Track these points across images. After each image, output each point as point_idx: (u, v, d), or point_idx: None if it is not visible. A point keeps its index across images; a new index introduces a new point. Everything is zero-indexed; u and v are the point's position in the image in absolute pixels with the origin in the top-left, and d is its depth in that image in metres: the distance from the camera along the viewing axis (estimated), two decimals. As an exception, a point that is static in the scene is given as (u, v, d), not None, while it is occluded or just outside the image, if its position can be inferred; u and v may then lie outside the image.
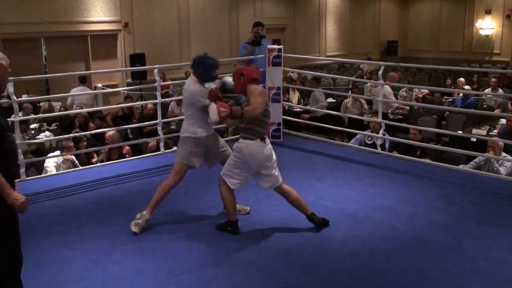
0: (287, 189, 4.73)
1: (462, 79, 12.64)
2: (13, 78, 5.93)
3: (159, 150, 6.99)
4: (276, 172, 4.66)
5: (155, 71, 6.80)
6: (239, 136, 4.68)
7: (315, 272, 3.97)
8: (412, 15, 22.26)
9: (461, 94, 11.18)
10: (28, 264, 4.05)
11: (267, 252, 4.28)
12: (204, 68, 4.76)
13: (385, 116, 8.65)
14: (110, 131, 7.38)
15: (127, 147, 7.49)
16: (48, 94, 12.05)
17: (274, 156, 4.65)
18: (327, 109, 11.01)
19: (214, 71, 4.81)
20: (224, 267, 4.03)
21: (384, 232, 4.63)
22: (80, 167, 6.96)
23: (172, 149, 7.45)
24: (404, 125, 7.78)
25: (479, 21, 19.85)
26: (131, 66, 13.44)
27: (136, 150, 8.47)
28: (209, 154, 5.03)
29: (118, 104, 11.08)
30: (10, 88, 5.70)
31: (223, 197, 4.66)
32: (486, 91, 11.97)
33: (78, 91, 11.14)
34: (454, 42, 20.52)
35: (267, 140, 4.59)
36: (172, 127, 9.49)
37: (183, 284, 3.81)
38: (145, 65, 13.27)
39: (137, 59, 13.53)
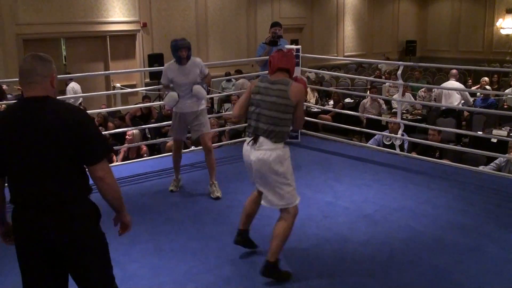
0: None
1: (486, 78, 12.42)
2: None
3: (177, 150, 7.00)
4: (281, 190, 3.77)
5: (174, 71, 6.80)
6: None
7: (333, 273, 3.95)
8: (431, 14, 22.08)
9: (481, 94, 11.05)
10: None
11: (285, 253, 4.23)
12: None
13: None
14: (134, 130, 7.45)
15: (145, 147, 7.53)
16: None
17: (278, 167, 3.71)
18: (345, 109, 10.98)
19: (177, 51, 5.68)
20: (241, 267, 4.03)
21: (403, 233, 4.59)
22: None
23: (190, 149, 7.48)
24: (423, 125, 7.72)
25: (500, 20, 19.61)
26: (149, 66, 13.51)
27: (154, 149, 8.52)
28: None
29: (136, 104, 11.15)
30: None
31: None
32: (507, 91, 11.81)
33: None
34: (474, 42, 20.31)
35: (259, 144, 3.74)
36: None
37: (201, 283, 3.82)
38: (163, 65, 13.28)
39: (155, 59, 13.58)
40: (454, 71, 10.23)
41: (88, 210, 2.61)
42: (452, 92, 9.73)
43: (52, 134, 2.44)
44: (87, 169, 2.59)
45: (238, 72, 14.22)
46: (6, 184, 2.65)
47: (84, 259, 2.58)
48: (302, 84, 3.83)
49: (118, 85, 13.41)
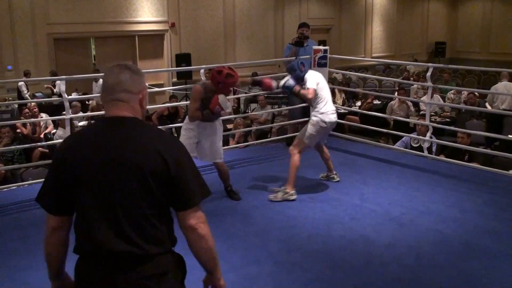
0: None
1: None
2: (65, 77, 6.10)
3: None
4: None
5: (201, 71, 6.85)
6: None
7: (360, 275, 3.92)
8: (461, 15, 21.77)
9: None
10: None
11: (310, 253, 4.25)
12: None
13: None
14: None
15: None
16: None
17: None
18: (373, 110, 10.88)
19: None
20: (267, 267, 4.02)
21: (431, 237, 4.52)
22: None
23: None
24: (452, 128, 7.60)
25: (532, 21, 19.26)
26: (177, 66, 13.63)
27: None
28: None
29: (163, 103, 11.24)
30: (62, 86, 5.86)
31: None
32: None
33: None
34: (505, 44, 19.95)
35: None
36: (216, 126, 9.54)
37: (227, 281, 3.78)
38: (190, 65, 13.44)
39: (183, 59, 13.70)
40: (505, 72, 10.14)
41: (173, 266, 2.08)
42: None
43: (138, 169, 1.92)
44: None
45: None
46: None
47: None
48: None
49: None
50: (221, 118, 5.42)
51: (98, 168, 1.93)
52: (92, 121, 7.95)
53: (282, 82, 5.38)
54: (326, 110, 5.37)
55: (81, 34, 13.37)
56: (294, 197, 5.31)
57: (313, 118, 5.40)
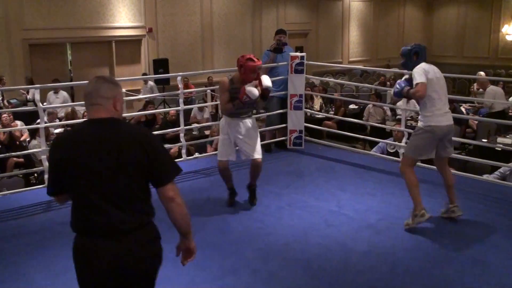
0: None
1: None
2: (39, 85, 6.04)
3: (181, 157, 7.02)
4: None
5: (178, 78, 6.83)
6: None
7: (336, 283, 3.95)
8: (436, 20, 22.06)
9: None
10: (45, 269, 4.13)
11: (287, 262, 4.26)
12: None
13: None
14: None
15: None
16: (73, 98, 12.24)
17: None
18: (350, 115, 10.98)
19: None
20: (244, 277, 4.02)
21: (406, 243, 4.57)
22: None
23: (194, 156, 7.49)
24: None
25: (505, 26, 19.58)
26: (155, 71, 13.57)
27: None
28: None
29: (140, 110, 11.18)
30: (36, 95, 5.80)
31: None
32: (511, 99, 11.78)
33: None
34: (479, 48, 20.27)
35: None
36: (194, 133, 9.53)
37: (203, 293, 3.82)
38: (168, 70, 13.40)
39: (160, 64, 13.64)
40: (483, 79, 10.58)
41: (154, 234, 2.57)
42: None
43: (122, 155, 2.39)
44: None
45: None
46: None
47: (145, 281, 2.59)
48: None
49: (123, 90, 13.42)
50: (248, 117, 5.32)
51: (89, 161, 2.39)
52: (68, 128, 7.88)
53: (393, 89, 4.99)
54: (433, 112, 4.62)
55: (57, 40, 13.23)
56: (425, 217, 4.61)
57: (418, 124, 4.79)
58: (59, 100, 11.02)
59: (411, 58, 4.73)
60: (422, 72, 4.56)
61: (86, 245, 2.45)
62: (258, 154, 5.28)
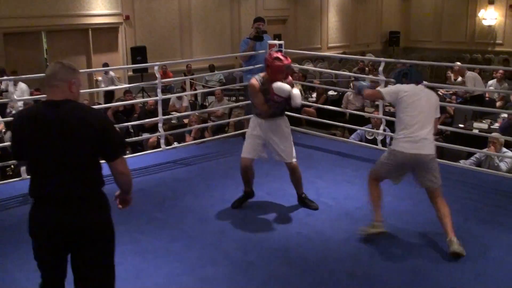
0: None
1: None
2: (13, 77, 5.94)
3: (160, 147, 6.99)
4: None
5: (155, 68, 6.77)
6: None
7: (315, 272, 3.98)
8: (414, 5, 22.13)
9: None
10: (29, 265, 4.09)
11: (266, 251, 4.29)
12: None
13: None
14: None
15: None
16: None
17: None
18: (330, 102, 11.02)
19: None
20: (223, 267, 4.04)
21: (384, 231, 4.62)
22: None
23: (173, 146, 7.46)
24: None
25: (482, 11, 19.74)
26: (132, 59, 13.44)
27: (137, 144, 8.49)
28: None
29: (118, 98, 11.08)
30: (11, 87, 5.71)
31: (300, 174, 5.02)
32: (490, 82, 11.93)
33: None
34: (456, 33, 20.42)
35: None
36: (173, 121, 9.48)
37: (183, 284, 3.83)
38: (146, 58, 13.29)
39: (138, 52, 13.52)
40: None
41: (103, 202, 2.85)
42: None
43: (73, 132, 2.68)
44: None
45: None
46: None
47: (96, 245, 2.81)
48: None
49: (100, 78, 13.29)
50: (280, 117, 5.00)
51: (44, 134, 2.68)
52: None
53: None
54: (401, 136, 4.27)
55: (32, 28, 12.99)
56: (377, 229, 4.33)
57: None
58: (17, 93, 10.83)
59: (401, 81, 4.48)
60: (395, 88, 4.40)
61: (39, 211, 2.76)
62: (291, 158, 4.99)
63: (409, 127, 4.21)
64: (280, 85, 4.62)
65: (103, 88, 12.28)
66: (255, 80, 4.85)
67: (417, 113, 4.23)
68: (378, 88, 4.39)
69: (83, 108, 2.83)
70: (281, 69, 4.68)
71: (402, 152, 4.23)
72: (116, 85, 12.71)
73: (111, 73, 13.02)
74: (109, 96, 12.63)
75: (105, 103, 10.99)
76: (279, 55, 4.75)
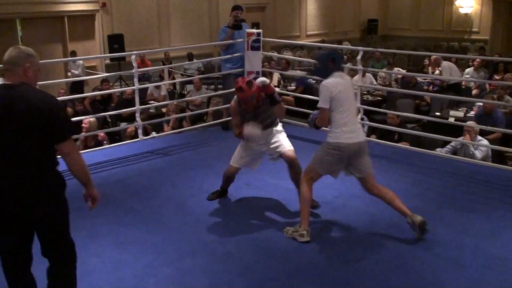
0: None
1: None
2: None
3: (138, 137, 6.94)
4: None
5: (132, 57, 6.70)
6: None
7: (293, 262, 4.01)
8: (392, -7, 22.19)
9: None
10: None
11: (245, 243, 4.30)
12: None
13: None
14: (91, 118, 7.26)
15: (102, 134, 7.34)
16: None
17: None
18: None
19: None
20: (202, 259, 4.04)
21: (362, 219, 4.68)
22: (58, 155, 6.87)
23: (151, 136, 7.42)
24: (382, 110, 7.81)
25: (458, -1, 19.89)
26: (109, 47, 13.26)
27: (115, 134, 8.41)
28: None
29: (96, 87, 10.95)
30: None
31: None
32: (467, 70, 12.08)
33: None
34: (434, 21, 20.54)
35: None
36: (151, 111, 9.41)
37: (161, 276, 3.82)
38: (123, 46, 13.11)
39: (115, 40, 13.32)
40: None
41: (56, 180, 2.97)
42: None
43: (21, 114, 2.79)
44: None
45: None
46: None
47: (51, 219, 2.98)
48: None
49: (80, 62, 13.08)
50: (270, 126, 4.89)
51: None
52: None
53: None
54: (341, 129, 4.20)
55: (6, 15, 12.71)
56: (304, 239, 4.24)
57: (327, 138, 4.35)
58: None
59: (326, 65, 4.24)
60: (327, 93, 4.14)
61: None
62: (288, 147, 4.90)
63: (347, 120, 4.19)
64: (250, 130, 4.61)
65: (77, 78, 12.04)
66: (234, 102, 4.80)
67: (348, 105, 4.22)
68: (319, 106, 4.22)
69: (34, 91, 2.92)
70: (244, 99, 4.58)
71: (348, 144, 4.17)
72: (84, 75, 12.46)
73: (79, 62, 12.76)
74: (78, 86, 12.19)
75: (70, 94, 10.78)
76: (242, 84, 4.53)
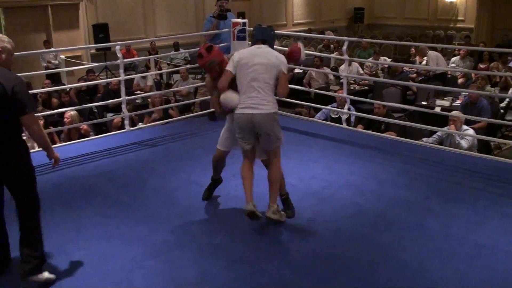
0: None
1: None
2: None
3: (124, 128, 6.89)
4: None
5: (117, 48, 6.63)
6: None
7: (280, 253, 4.02)
8: (378, -19, 22.19)
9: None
10: None
11: (232, 234, 4.30)
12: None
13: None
14: (71, 111, 7.17)
15: (85, 127, 7.25)
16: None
17: None
18: (295, 80, 11.02)
19: None
20: (190, 251, 4.03)
21: (349, 210, 4.69)
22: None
23: (138, 126, 7.37)
24: (369, 100, 7.81)
25: (444, -13, 19.93)
26: (94, 37, 13.15)
27: (102, 125, 8.35)
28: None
29: (81, 78, 10.84)
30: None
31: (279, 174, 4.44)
32: (453, 59, 12.13)
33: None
34: (419, 9, 20.58)
35: None
36: (138, 101, 9.35)
37: (149, 269, 3.81)
38: (108, 36, 13.01)
39: (100, 29, 13.22)
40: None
41: (21, 146, 3.57)
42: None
43: None
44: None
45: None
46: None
47: (17, 179, 3.56)
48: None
49: (62, 57, 12.95)
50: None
51: None
52: None
53: None
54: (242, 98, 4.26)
55: (-12, 5, 12.58)
56: (246, 210, 4.20)
57: None
58: None
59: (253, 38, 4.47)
60: (233, 57, 4.36)
61: None
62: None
63: (246, 93, 4.21)
64: (223, 98, 4.35)
65: (59, 69, 11.89)
66: (207, 77, 4.74)
67: (250, 78, 4.21)
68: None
69: (4, 72, 3.45)
70: (203, 66, 4.52)
71: (242, 114, 4.21)
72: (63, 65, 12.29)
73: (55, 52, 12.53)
74: (56, 77, 11.89)
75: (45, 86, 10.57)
76: (202, 50, 4.44)
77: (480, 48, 11.49)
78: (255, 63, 4.25)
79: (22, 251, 3.56)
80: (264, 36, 4.47)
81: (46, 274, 3.60)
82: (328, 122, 7.55)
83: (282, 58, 4.37)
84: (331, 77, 10.79)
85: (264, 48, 4.39)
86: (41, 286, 3.56)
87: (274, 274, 3.75)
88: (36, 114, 3.68)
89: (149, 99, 9.33)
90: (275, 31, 4.70)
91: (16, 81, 3.43)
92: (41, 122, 7.17)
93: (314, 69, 10.16)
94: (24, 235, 3.57)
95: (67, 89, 9.77)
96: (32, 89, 8.57)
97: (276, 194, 4.32)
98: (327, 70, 10.87)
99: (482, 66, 11.72)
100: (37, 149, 6.36)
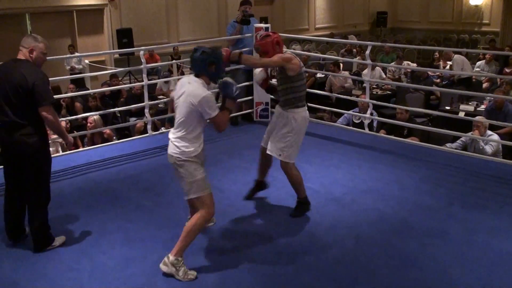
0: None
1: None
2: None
3: (147, 132, 6.95)
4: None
5: (141, 53, 6.70)
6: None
7: (302, 259, 4.01)
8: (402, -15, 22.03)
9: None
10: (14, 254, 4.10)
11: (254, 239, 4.31)
12: (220, 64, 4.03)
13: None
14: (95, 116, 7.27)
15: (108, 131, 7.32)
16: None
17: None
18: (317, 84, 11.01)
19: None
20: (212, 256, 4.05)
21: (371, 216, 4.66)
22: (68, 151, 6.88)
23: (160, 131, 7.42)
24: (391, 105, 7.76)
25: (469, -9, 19.71)
26: (118, 42, 13.28)
27: (125, 129, 8.43)
28: None
29: (105, 82, 10.97)
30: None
31: (295, 177, 4.63)
32: (478, 63, 11.99)
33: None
34: (443, 13, 20.37)
35: None
36: (160, 106, 9.41)
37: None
38: (132, 41, 13.14)
39: (124, 34, 13.34)
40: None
41: (35, 131, 3.96)
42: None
43: (13, 81, 3.85)
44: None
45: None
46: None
47: (28, 164, 3.98)
48: None
49: (86, 61, 13.13)
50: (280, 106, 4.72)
51: (2, 82, 3.91)
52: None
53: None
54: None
55: (16, 10, 12.78)
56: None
57: None
58: None
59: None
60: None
61: None
62: (270, 150, 4.68)
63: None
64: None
65: (84, 74, 12.06)
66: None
67: (175, 111, 3.90)
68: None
69: (29, 66, 3.91)
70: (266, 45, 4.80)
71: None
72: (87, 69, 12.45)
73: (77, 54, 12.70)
74: (79, 82, 11.88)
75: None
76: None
77: (506, 53, 11.31)
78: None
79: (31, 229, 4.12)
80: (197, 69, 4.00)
81: (57, 242, 4.18)
82: (350, 127, 7.51)
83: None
84: (350, 81, 10.75)
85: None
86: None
87: (294, 278, 3.75)
88: (60, 119, 4.18)
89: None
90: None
91: (38, 77, 3.87)
92: (67, 125, 7.30)
93: (334, 73, 10.15)
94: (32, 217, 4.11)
95: (93, 94, 9.88)
96: (60, 93, 8.70)
97: (181, 244, 3.78)
98: (346, 73, 10.85)
99: (507, 70, 11.54)
100: (61, 153, 6.52)
